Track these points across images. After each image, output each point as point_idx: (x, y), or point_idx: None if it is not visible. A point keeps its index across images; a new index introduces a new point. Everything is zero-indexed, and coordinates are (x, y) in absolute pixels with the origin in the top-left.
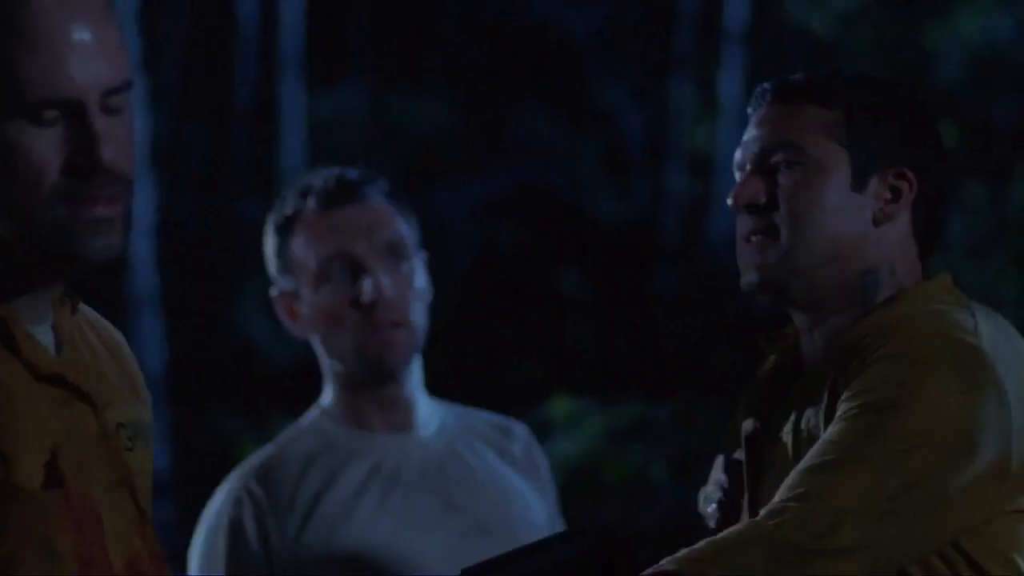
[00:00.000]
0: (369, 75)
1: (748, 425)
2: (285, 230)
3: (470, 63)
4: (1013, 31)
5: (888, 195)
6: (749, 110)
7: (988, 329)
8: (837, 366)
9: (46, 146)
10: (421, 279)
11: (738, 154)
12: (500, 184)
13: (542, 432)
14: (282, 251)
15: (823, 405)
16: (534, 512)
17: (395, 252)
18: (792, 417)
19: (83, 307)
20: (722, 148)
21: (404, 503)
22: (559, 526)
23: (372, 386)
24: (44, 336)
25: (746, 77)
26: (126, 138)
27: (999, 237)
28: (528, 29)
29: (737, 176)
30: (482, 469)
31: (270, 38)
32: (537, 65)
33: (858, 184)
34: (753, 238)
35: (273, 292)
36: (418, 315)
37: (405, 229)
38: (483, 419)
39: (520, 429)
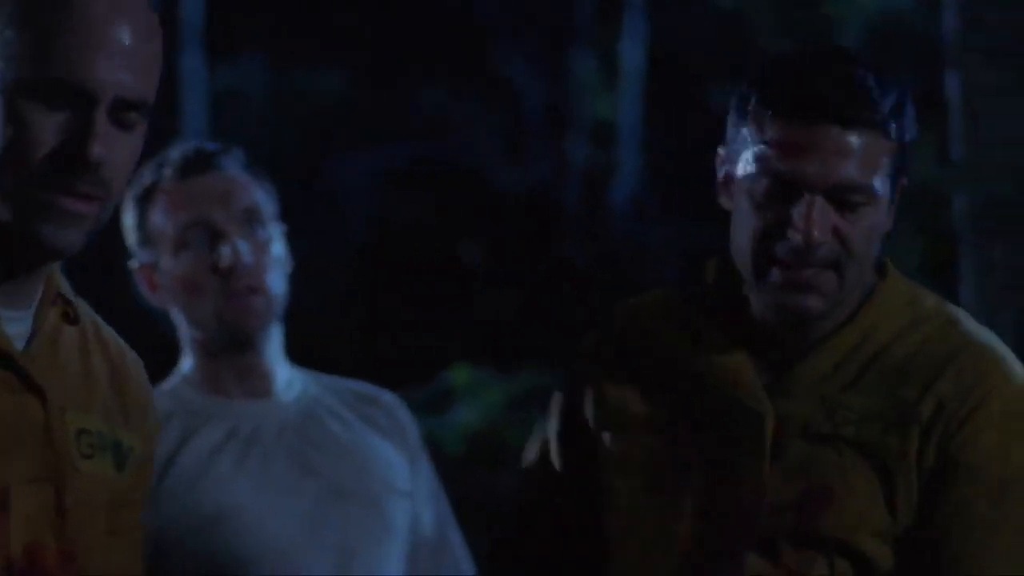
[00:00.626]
0: (269, 46)
1: (763, 409)
2: (143, 202)
3: (371, 34)
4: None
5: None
6: (778, 114)
7: None
8: (891, 380)
9: (46, 127)
10: (279, 247)
11: (780, 167)
12: (401, 155)
13: (442, 402)
14: (141, 223)
15: (880, 419)
16: (398, 477)
17: (252, 219)
18: (805, 411)
19: (101, 324)
20: (623, 118)
21: (261, 465)
22: (432, 495)
23: (230, 352)
24: (20, 323)
25: (647, 48)
26: (125, 155)
27: (901, 206)
28: (429, 0)
29: (758, 178)
30: (343, 433)
31: (170, 9)
32: (437, 36)
33: (892, 206)
34: (814, 269)
35: (133, 265)
36: (276, 282)
37: (262, 197)
38: (348, 387)
39: (387, 397)
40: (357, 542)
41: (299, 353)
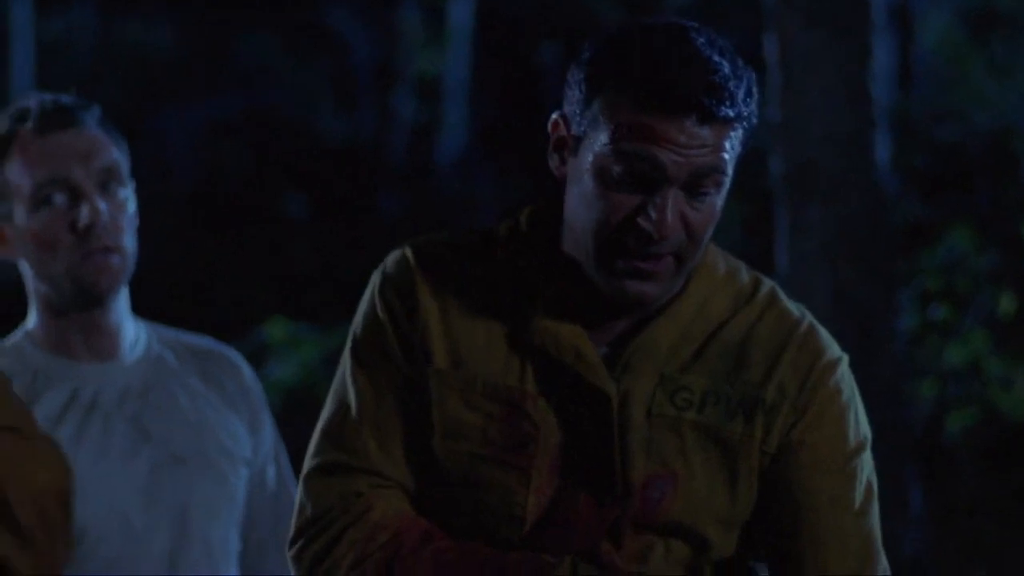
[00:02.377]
0: None
1: (608, 389)
2: None
3: None
4: None
5: None
6: (636, 102)
7: None
8: (727, 361)
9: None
10: (133, 206)
11: (637, 156)
12: (227, 107)
13: (259, 355)
14: None
15: (724, 400)
16: (238, 439)
17: (111, 178)
18: (646, 390)
19: None
20: (450, 73)
21: (101, 432)
22: (274, 453)
23: (79, 311)
24: None
25: (475, 4)
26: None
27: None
28: None
29: (611, 163)
30: (184, 396)
31: None
32: None
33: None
34: (658, 260)
35: None
36: (130, 241)
37: (120, 156)
38: (192, 344)
39: (230, 354)
40: (194, 508)
41: None
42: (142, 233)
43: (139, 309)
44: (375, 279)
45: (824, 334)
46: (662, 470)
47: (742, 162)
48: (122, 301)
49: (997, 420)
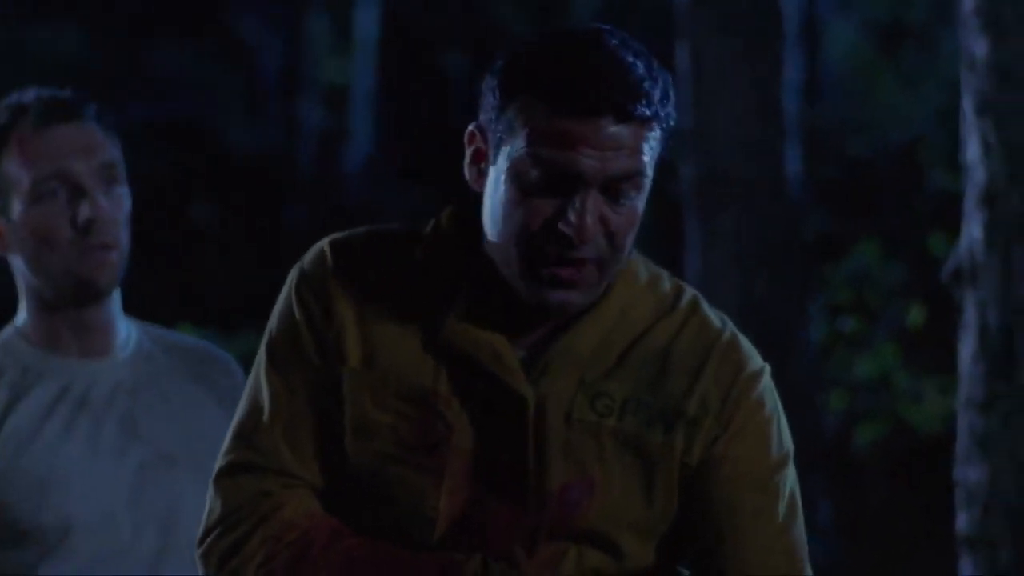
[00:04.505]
0: (4, 4)
1: (525, 392)
2: None
3: None
4: None
5: None
6: (551, 106)
7: None
8: (646, 370)
9: None
10: (128, 203)
11: (554, 160)
12: (135, 115)
13: None
14: None
15: (647, 410)
16: None
17: (110, 175)
18: (565, 395)
19: None
20: (357, 83)
21: (91, 429)
22: None
23: (73, 308)
24: None
25: (382, 12)
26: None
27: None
28: None
29: (528, 169)
30: (175, 394)
31: None
32: None
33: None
34: (580, 267)
35: None
36: (127, 238)
37: (117, 153)
38: (184, 344)
39: (223, 355)
40: (181, 509)
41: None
42: None
43: None
44: (293, 275)
45: (746, 345)
46: (579, 476)
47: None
48: (115, 299)
49: (906, 433)
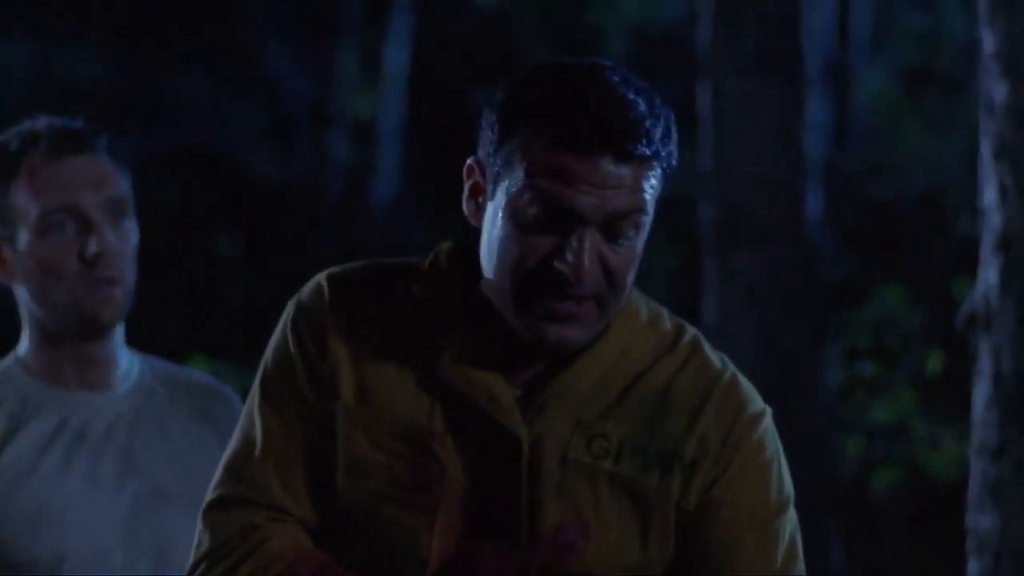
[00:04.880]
0: (33, 31)
1: (519, 432)
2: (5, 175)
3: (135, 22)
4: (676, 9)
5: None
6: (550, 142)
7: None
8: (644, 410)
9: None
10: (136, 237)
11: (552, 197)
12: (163, 145)
13: None
14: None
15: (642, 454)
16: None
17: (119, 209)
18: (561, 435)
19: None
20: (385, 117)
21: (88, 463)
22: None
23: (77, 341)
24: None
25: (412, 47)
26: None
27: (656, 213)
28: None
29: (526, 205)
30: (175, 431)
31: None
32: (203, 27)
33: None
34: (579, 302)
35: None
36: (132, 273)
37: (126, 186)
38: (187, 379)
39: (226, 391)
40: (174, 544)
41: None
42: None
43: None
44: (289, 309)
45: (747, 386)
46: (574, 518)
47: (673, 209)
48: (118, 332)
49: (923, 480)
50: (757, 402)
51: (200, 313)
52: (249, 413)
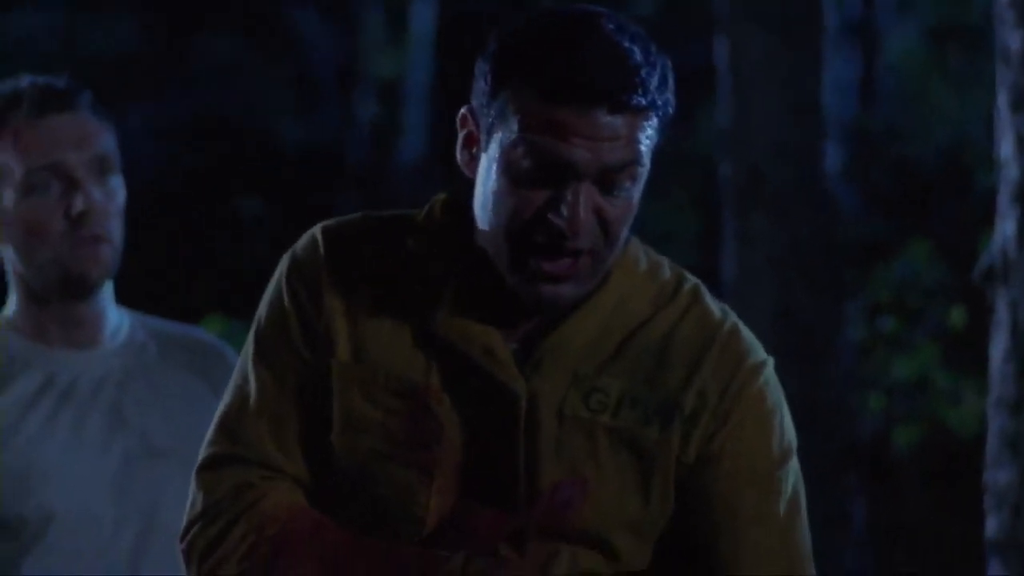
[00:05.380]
0: None
1: (517, 388)
2: None
3: None
4: None
5: None
6: (543, 94)
7: None
8: (640, 363)
9: None
10: (123, 195)
11: (545, 150)
12: (186, 107)
13: None
14: None
15: (642, 405)
16: None
17: (105, 166)
18: (558, 390)
19: None
20: (412, 77)
21: (75, 421)
22: None
23: (63, 299)
24: None
25: (437, 6)
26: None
27: (681, 177)
28: None
29: (519, 159)
30: (167, 387)
31: None
32: None
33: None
34: (573, 261)
35: None
36: (119, 231)
37: (112, 144)
38: (178, 333)
39: (219, 345)
40: (163, 502)
41: None
42: None
43: None
44: (283, 263)
45: (748, 336)
46: (571, 474)
47: (696, 169)
48: (106, 290)
49: (944, 436)
50: (758, 352)
51: (222, 275)
52: (243, 369)
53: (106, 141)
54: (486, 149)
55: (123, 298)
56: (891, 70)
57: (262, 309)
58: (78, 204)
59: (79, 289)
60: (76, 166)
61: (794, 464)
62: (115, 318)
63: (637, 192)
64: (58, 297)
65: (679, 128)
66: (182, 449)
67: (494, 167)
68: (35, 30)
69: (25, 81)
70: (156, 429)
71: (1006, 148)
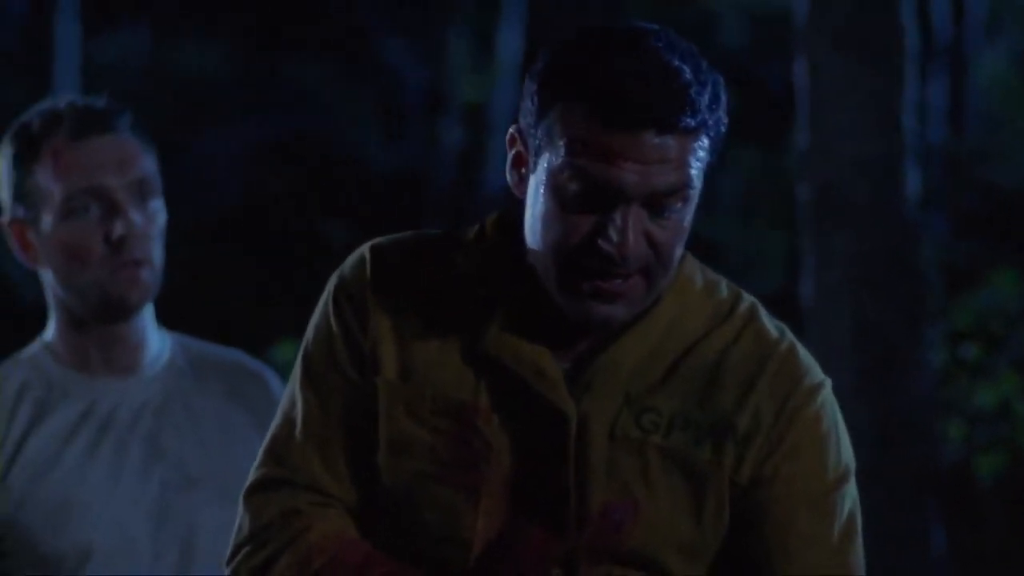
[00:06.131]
0: (146, 17)
1: (568, 410)
2: (28, 157)
3: (248, 9)
4: None
5: None
6: (592, 115)
7: None
8: (692, 384)
9: None
10: (163, 218)
11: (594, 173)
12: (273, 132)
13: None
14: (22, 178)
15: (693, 426)
16: None
17: (145, 189)
18: (609, 411)
19: None
20: (497, 101)
21: (114, 451)
22: None
23: (103, 324)
24: None
25: (525, 31)
26: None
27: (770, 199)
28: None
29: (568, 181)
30: (204, 413)
31: None
32: (315, 12)
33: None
34: (625, 279)
35: (4, 219)
36: (160, 254)
37: (153, 167)
38: (220, 358)
39: (261, 369)
40: (201, 532)
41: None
42: (184, 248)
43: (164, 323)
44: (331, 283)
45: (805, 356)
46: (623, 496)
47: (783, 192)
48: (147, 314)
49: None
50: (815, 373)
51: (299, 300)
52: (291, 392)
53: (147, 164)
54: (534, 170)
55: (200, 319)
56: (980, 94)
57: (309, 331)
58: (118, 229)
59: (119, 312)
60: (116, 189)
61: (850, 488)
62: (156, 342)
63: (688, 213)
64: (98, 321)
65: (769, 149)
66: (217, 476)
67: (542, 189)
68: (124, 53)
69: (64, 102)
70: (192, 457)
71: None
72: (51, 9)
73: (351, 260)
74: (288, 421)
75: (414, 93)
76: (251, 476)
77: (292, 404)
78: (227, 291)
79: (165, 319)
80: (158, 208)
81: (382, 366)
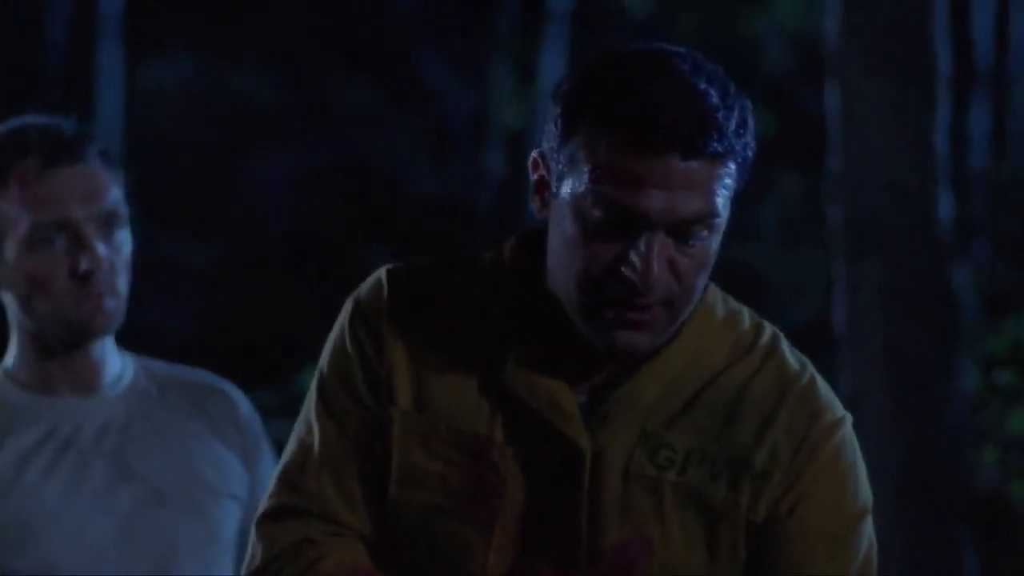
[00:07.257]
0: (191, 43)
1: (582, 445)
2: None
3: (294, 34)
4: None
5: None
6: (616, 140)
7: None
8: (714, 420)
9: None
10: (129, 247)
11: (618, 199)
12: (318, 157)
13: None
14: None
15: (709, 462)
16: (229, 477)
17: (111, 221)
18: (624, 447)
19: None
20: (539, 126)
21: (77, 469)
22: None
23: (66, 350)
24: None
25: (568, 57)
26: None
27: (812, 224)
28: (353, 1)
29: (591, 207)
30: (169, 431)
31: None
32: (360, 38)
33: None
34: (647, 309)
35: None
36: (125, 284)
37: (120, 196)
38: (182, 377)
39: (226, 387)
40: (175, 550)
41: (174, 346)
42: (235, 273)
43: (198, 348)
44: (347, 306)
45: (825, 391)
46: (636, 534)
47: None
48: (110, 337)
49: None
50: (835, 408)
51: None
52: (305, 418)
53: (114, 194)
54: (557, 195)
55: (251, 340)
56: (1022, 118)
57: (325, 355)
58: (84, 263)
59: (82, 339)
60: (83, 222)
61: (867, 527)
62: (117, 364)
63: (715, 241)
64: (60, 347)
65: (811, 174)
66: (183, 493)
67: (565, 215)
68: (177, 78)
69: (31, 126)
70: (160, 474)
71: None
72: (92, 35)
73: (368, 284)
74: (303, 447)
75: (458, 119)
76: (264, 503)
77: (307, 430)
78: (275, 314)
79: (216, 341)
80: (124, 239)
81: (397, 395)
